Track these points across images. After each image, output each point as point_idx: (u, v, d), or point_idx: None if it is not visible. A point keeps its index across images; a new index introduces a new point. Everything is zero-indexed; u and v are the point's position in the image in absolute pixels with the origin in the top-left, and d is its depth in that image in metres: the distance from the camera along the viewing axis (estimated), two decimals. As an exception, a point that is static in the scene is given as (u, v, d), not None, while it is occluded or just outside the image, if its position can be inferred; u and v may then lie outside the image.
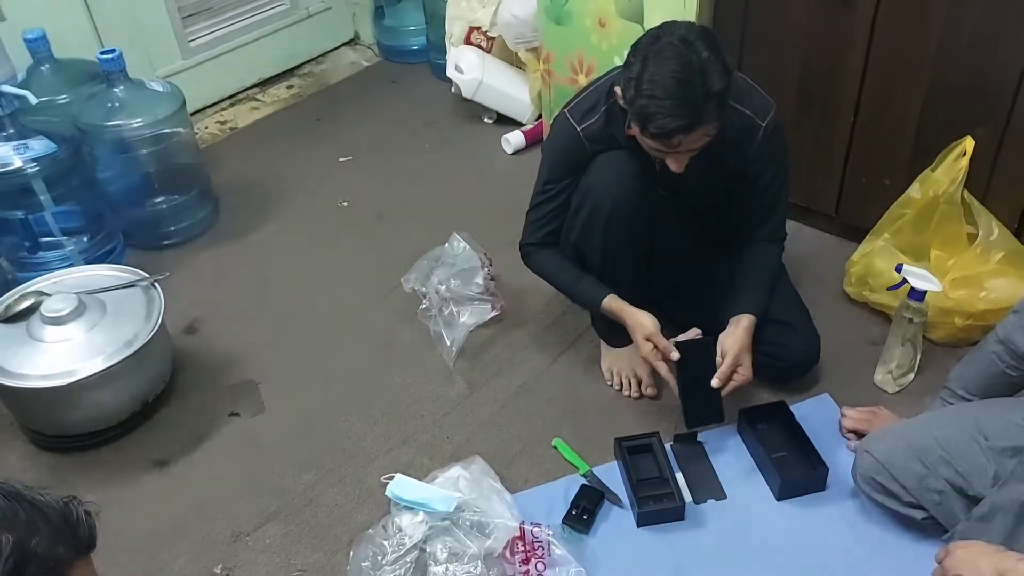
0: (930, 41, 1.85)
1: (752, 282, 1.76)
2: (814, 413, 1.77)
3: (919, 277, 1.73)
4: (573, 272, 1.80)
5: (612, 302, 1.75)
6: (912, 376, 1.84)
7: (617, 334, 1.91)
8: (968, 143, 1.84)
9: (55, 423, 1.81)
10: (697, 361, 1.68)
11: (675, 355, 1.68)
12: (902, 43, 1.89)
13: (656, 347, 1.68)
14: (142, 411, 1.87)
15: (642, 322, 1.70)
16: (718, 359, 1.67)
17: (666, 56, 1.44)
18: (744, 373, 1.68)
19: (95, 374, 1.73)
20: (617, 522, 1.62)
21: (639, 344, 1.72)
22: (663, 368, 1.70)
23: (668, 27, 1.49)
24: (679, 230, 1.83)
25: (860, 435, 1.68)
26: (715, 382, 1.66)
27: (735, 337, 1.68)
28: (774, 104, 1.69)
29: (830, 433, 1.74)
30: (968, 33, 1.80)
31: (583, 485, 1.67)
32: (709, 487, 1.67)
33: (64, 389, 1.72)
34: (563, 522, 1.60)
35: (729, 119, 1.62)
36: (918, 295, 1.73)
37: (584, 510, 1.61)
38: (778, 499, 1.64)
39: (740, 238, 1.82)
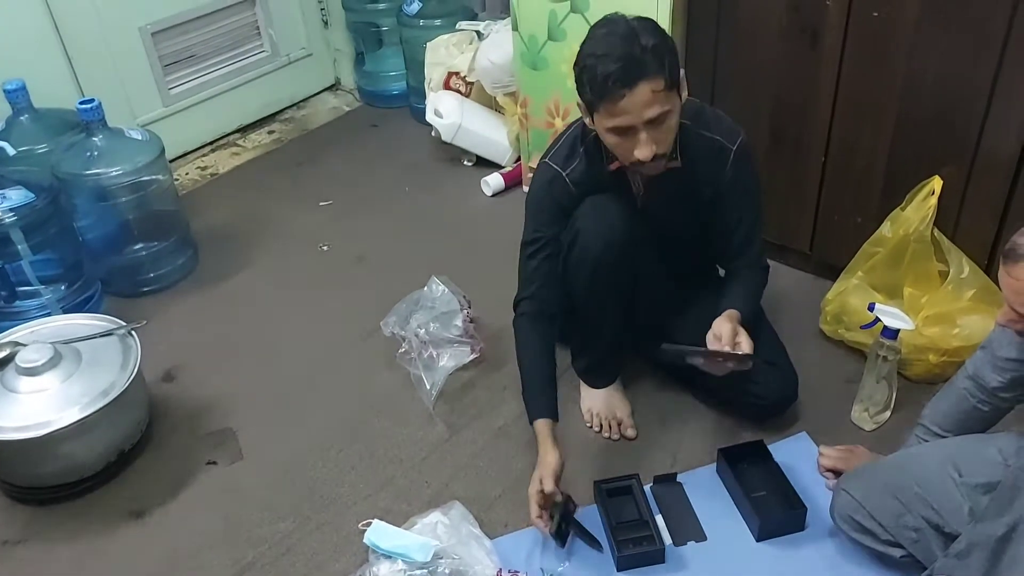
0: (896, 80, 1.89)
1: (737, 293, 1.74)
2: (792, 452, 1.78)
3: (891, 316, 1.75)
4: (535, 367, 1.74)
5: (540, 426, 1.66)
6: (888, 413, 1.85)
7: (596, 376, 1.91)
8: (936, 183, 1.87)
9: (30, 474, 1.79)
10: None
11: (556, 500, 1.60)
12: (869, 83, 1.93)
13: (542, 489, 1.58)
14: (118, 461, 1.85)
15: (548, 460, 1.60)
16: (711, 338, 1.60)
17: (599, 27, 1.52)
18: (745, 345, 1.58)
19: (70, 425, 1.71)
20: (597, 566, 1.61)
21: (533, 479, 1.60)
22: (534, 512, 1.58)
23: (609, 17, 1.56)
24: (661, 273, 1.84)
25: (838, 474, 1.68)
26: (715, 346, 1.57)
27: (731, 321, 1.61)
28: (742, 130, 1.71)
29: (809, 472, 1.74)
30: (932, 73, 1.84)
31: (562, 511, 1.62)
32: (689, 529, 1.67)
33: (38, 440, 1.70)
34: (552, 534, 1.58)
35: (699, 144, 1.66)
36: (891, 333, 1.75)
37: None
38: (758, 540, 1.63)
39: (721, 272, 1.84)
